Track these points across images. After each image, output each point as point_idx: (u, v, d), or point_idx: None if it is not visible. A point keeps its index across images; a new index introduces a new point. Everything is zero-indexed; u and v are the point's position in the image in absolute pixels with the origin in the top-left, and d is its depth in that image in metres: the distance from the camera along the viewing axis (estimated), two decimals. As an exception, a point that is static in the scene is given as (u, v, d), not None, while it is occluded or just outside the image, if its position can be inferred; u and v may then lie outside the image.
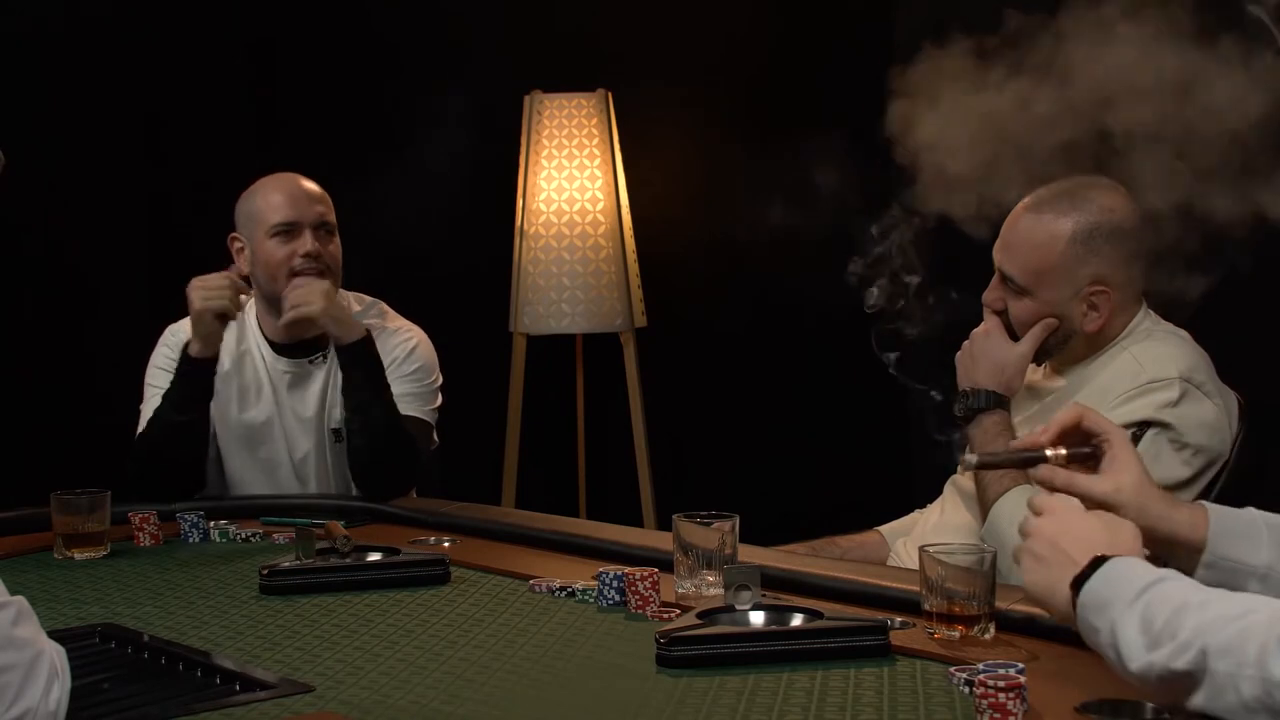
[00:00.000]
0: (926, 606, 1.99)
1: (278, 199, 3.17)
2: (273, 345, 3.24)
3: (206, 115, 4.69)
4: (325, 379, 3.22)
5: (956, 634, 1.95)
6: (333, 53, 4.82)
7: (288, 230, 3.14)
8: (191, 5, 4.63)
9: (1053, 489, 1.87)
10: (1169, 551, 1.86)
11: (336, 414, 3.20)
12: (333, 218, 3.22)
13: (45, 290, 4.41)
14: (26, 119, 4.26)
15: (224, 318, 3.07)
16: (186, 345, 3.08)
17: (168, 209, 4.62)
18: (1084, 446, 1.91)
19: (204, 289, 3.05)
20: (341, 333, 3.09)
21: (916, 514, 2.97)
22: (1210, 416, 2.56)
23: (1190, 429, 2.53)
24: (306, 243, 3.14)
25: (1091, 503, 1.85)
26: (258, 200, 3.19)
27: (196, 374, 3.08)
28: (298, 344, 3.22)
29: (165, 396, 3.09)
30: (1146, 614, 1.58)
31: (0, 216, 4.00)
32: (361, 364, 3.09)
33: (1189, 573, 1.76)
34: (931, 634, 1.97)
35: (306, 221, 3.16)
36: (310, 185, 3.22)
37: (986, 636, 1.95)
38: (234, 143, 4.68)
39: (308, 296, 3.09)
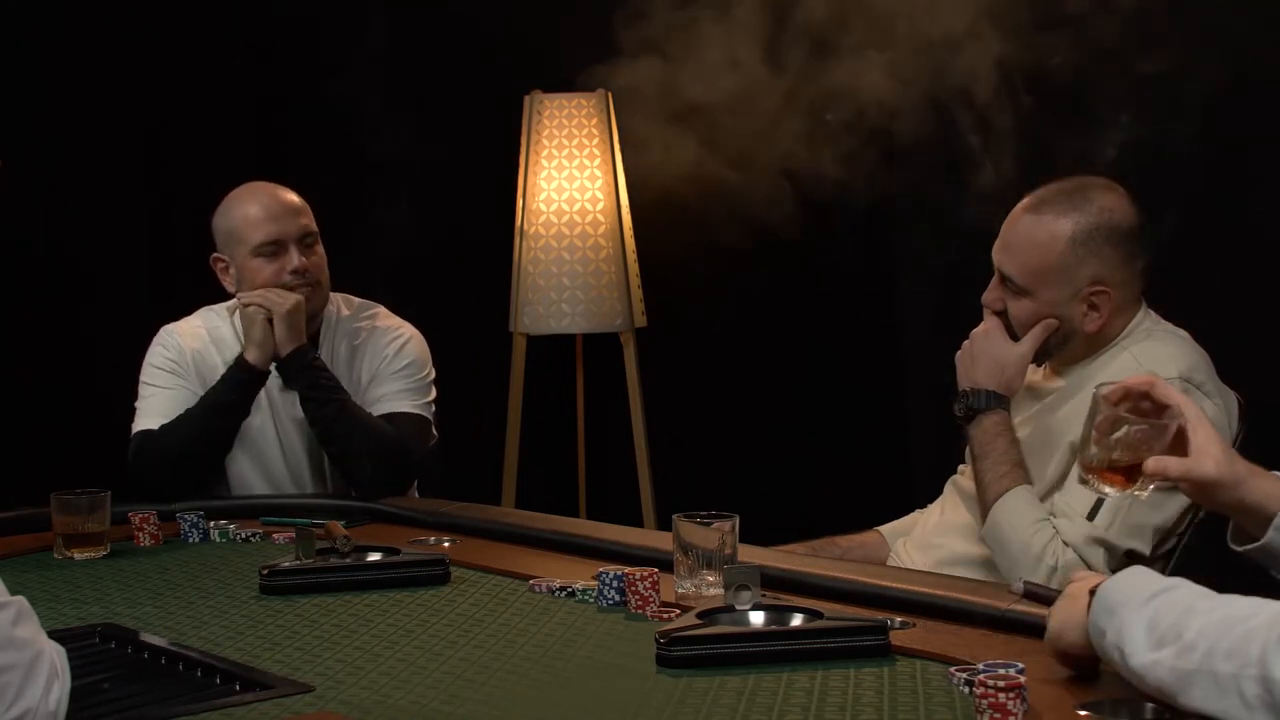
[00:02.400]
0: (1086, 460, 1.92)
1: (257, 215, 3.13)
2: None
3: (207, 117, 4.69)
4: None
5: (1111, 490, 1.89)
6: (332, 53, 4.82)
7: (272, 249, 3.13)
8: (191, 7, 4.63)
9: (1166, 478, 1.89)
10: (1241, 517, 1.91)
11: None
12: (314, 225, 3.19)
13: (45, 290, 4.41)
14: (27, 120, 4.26)
15: (271, 321, 3.07)
16: (241, 355, 3.08)
17: (168, 210, 4.62)
18: (1151, 417, 1.92)
19: (246, 298, 3.10)
20: (287, 340, 3.07)
21: (917, 514, 2.97)
22: (1212, 415, 2.55)
23: (1190, 429, 2.53)
24: (293, 259, 3.12)
25: (1203, 483, 1.88)
26: (236, 218, 3.15)
27: (251, 382, 3.09)
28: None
29: (209, 400, 3.09)
30: (1154, 616, 1.59)
31: (1, 217, 4.00)
32: (299, 376, 3.09)
33: (1256, 536, 1.87)
34: (1087, 482, 1.92)
35: (290, 237, 3.13)
36: (287, 195, 3.18)
37: (1142, 495, 1.90)
38: (234, 143, 4.68)
39: (280, 301, 3.08)
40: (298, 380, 3.10)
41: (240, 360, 3.09)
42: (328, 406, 3.07)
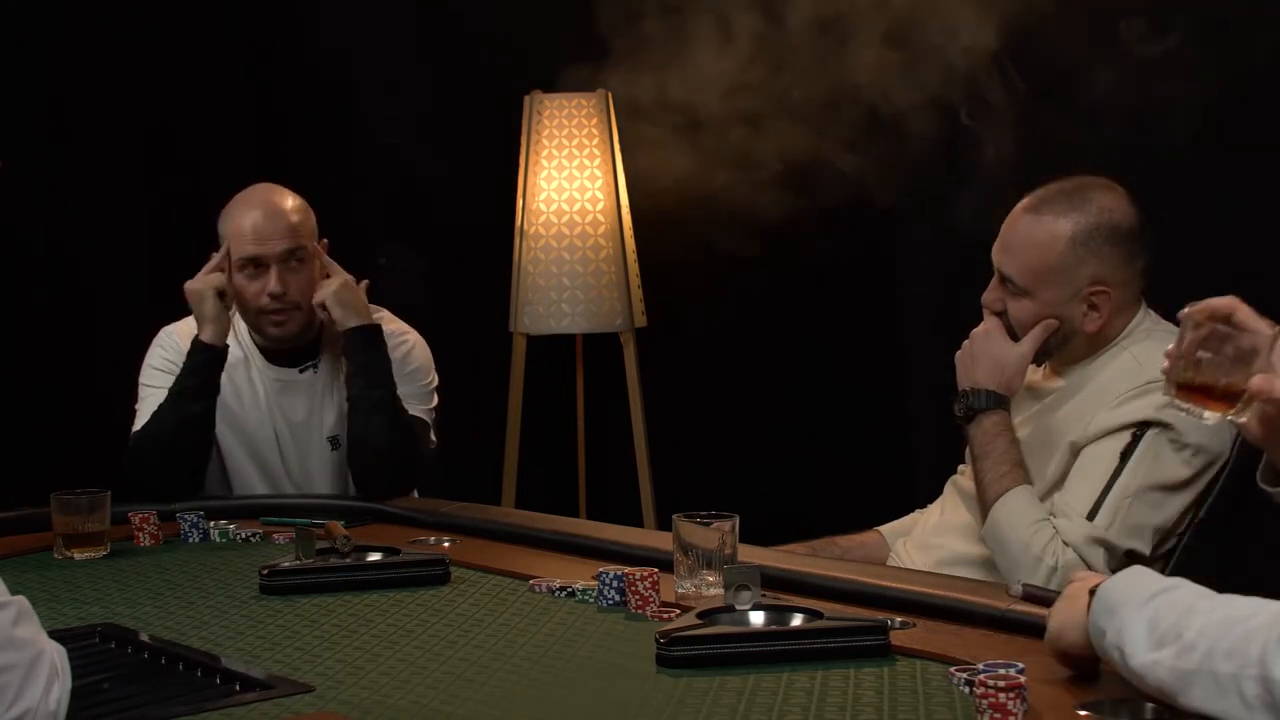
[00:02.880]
0: (1184, 384, 1.86)
1: (245, 229, 3.12)
2: (263, 353, 3.23)
3: (206, 117, 4.69)
4: (316, 387, 3.22)
5: (1211, 414, 1.84)
6: (331, 54, 4.82)
7: (253, 266, 3.12)
8: (190, 9, 4.63)
9: (1272, 398, 1.82)
10: None
11: (329, 422, 3.20)
12: (304, 242, 3.14)
13: (46, 290, 4.41)
14: (28, 120, 4.26)
15: (224, 295, 3.09)
16: (197, 336, 3.08)
17: (168, 209, 4.61)
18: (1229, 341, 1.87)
19: (197, 277, 3.11)
20: (347, 317, 3.09)
21: (917, 514, 2.96)
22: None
23: (1190, 429, 2.53)
24: (271, 282, 3.11)
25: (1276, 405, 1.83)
26: (231, 225, 3.15)
27: (211, 361, 3.08)
28: (287, 352, 3.22)
29: (175, 390, 3.08)
30: (1154, 616, 1.58)
31: (1, 217, 4.00)
32: (363, 349, 3.09)
33: None
34: (1186, 410, 1.86)
35: (273, 258, 3.11)
36: (283, 208, 3.15)
37: (1241, 419, 1.85)
38: (234, 144, 4.68)
39: (324, 287, 3.11)
40: (359, 355, 3.10)
41: (196, 341, 3.09)
42: (376, 389, 3.07)
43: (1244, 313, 1.88)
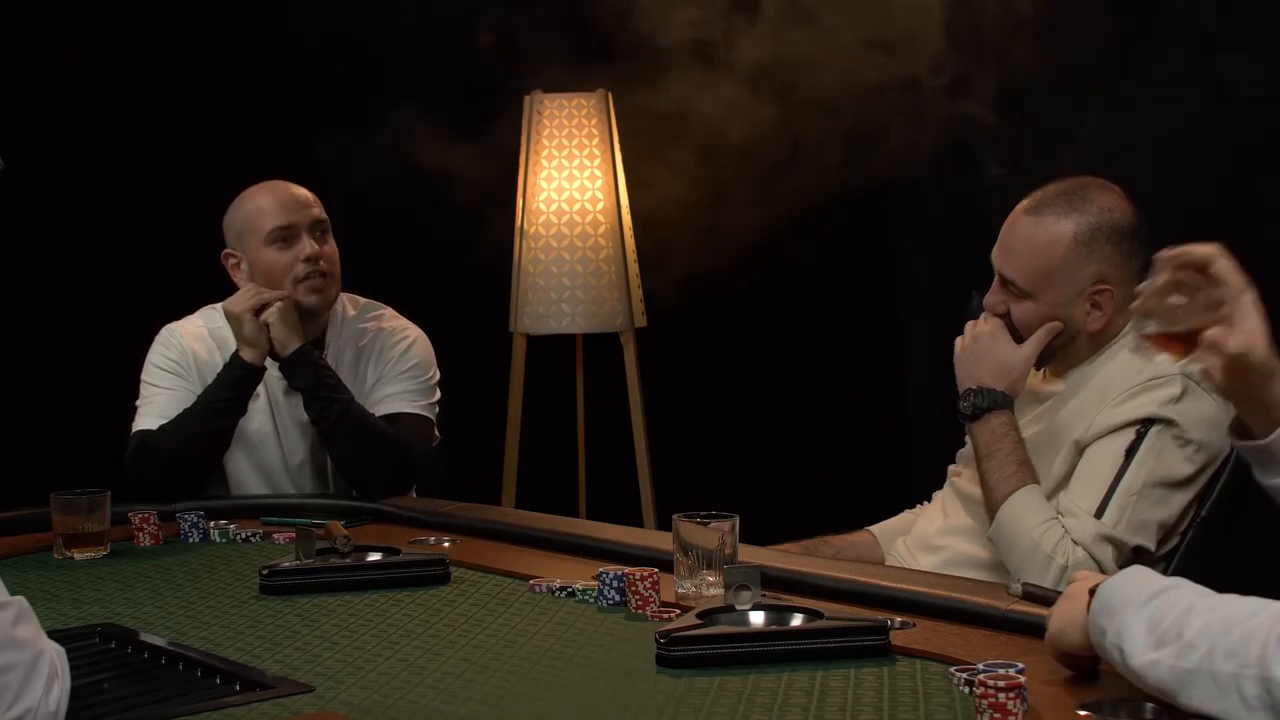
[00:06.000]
0: (1143, 325, 1.89)
1: (270, 205, 3.15)
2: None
3: (206, 117, 4.69)
4: None
5: (1159, 356, 1.89)
6: (330, 53, 4.82)
7: (285, 236, 3.12)
8: (191, 9, 4.64)
9: (1224, 351, 1.86)
10: (1253, 412, 1.93)
11: None
12: (326, 217, 3.20)
13: (46, 290, 4.41)
14: (29, 120, 4.27)
15: (258, 312, 3.07)
16: (236, 352, 3.08)
17: (169, 210, 4.62)
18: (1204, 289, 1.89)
19: (233, 299, 3.09)
20: (290, 338, 3.08)
21: (907, 513, 2.97)
22: (1212, 413, 2.55)
23: (1192, 425, 2.53)
24: (306, 247, 3.12)
25: (1252, 364, 1.87)
26: (248, 210, 3.16)
27: (249, 379, 3.08)
28: None
29: (208, 400, 3.08)
30: (1154, 615, 1.58)
31: (2, 217, 4.00)
32: (302, 374, 3.08)
33: (1254, 435, 1.91)
34: (1141, 349, 1.91)
35: (303, 224, 3.14)
36: (298, 189, 3.20)
37: (1193, 368, 1.89)
38: (233, 144, 4.68)
39: (273, 298, 3.09)
40: (301, 379, 3.09)
41: (235, 357, 3.08)
42: (332, 406, 3.07)
43: (1222, 265, 1.89)
